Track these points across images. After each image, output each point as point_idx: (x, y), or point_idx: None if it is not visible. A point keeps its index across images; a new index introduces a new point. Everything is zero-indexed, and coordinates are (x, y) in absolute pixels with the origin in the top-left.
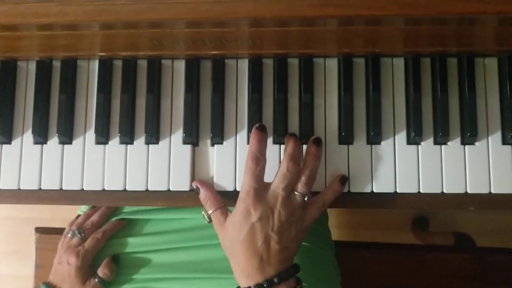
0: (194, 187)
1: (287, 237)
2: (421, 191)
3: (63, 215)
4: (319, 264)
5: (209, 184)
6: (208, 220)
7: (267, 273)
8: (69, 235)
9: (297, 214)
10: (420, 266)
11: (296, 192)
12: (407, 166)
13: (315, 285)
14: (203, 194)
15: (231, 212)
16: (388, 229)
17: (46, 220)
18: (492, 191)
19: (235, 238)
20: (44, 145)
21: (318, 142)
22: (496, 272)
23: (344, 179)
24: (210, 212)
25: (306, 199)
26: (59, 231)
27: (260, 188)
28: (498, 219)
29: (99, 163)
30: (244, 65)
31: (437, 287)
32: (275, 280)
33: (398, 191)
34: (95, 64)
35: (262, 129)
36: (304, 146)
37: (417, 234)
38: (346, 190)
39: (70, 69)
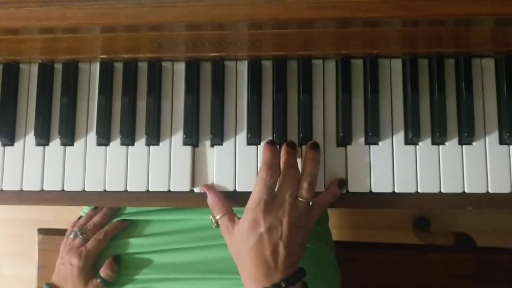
0: (202, 192)
1: (294, 243)
2: (419, 191)
3: (65, 217)
4: (319, 264)
5: (216, 189)
6: (216, 225)
7: (275, 278)
8: (71, 236)
9: (303, 220)
10: (420, 266)
11: (300, 199)
12: (405, 166)
13: (316, 285)
14: (210, 199)
15: (238, 217)
16: (389, 229)
17: (49, 222)
18: (490, 191)
19: (243, 246)
20: (46, 147)
21: (315, 146)
22: (496, 271)
23: (342, 183)
24: (217, 217)
25: (310, 204)
26: (61, 232)
27: (270, 200)
28: (499, 219)
29: (100, 164)
30: (243, 67)
31: (437, 286)
32: (283, 284)
33: (396, 191)
34: (96, 67)
35: (273, 144)
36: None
37: (418, 234)
38: (344, 190)
39: (71, 71)
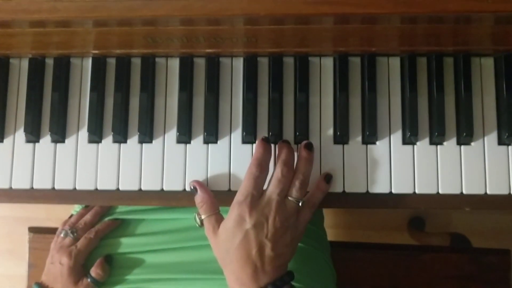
0: (192, 188)
1: (282, 243)
2: (417, 191)
3: (57, 215)
4: (314, 264)
5: (207, 188)
6: (199, 223)
7: (262, 281)
8: (61, 235)
9: (292, 220)
10: (416, 267)
11: (290, 198)
12: (402, 166)
13: (310, 285)
14: (199, 197)
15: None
16: (384, 229)
17: (41, 220)
18: (488, 192)
19: (229, 245)
20: (37, 144)
21: (309, 146)
22: (492, 272)
23: (328, 177)
24: (204, 216)
25: (300, 204)
26: (52, 231)
27: (258, 196)
28: (494, 219)
29: (92, 162)
30: (239, 64)
31: (432, 287)
32: None
33: (393, 191)
34: (88, 62)
35: (268, 141)
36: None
37: (413, 234)
38: (341, 190)
39: (63, 66)
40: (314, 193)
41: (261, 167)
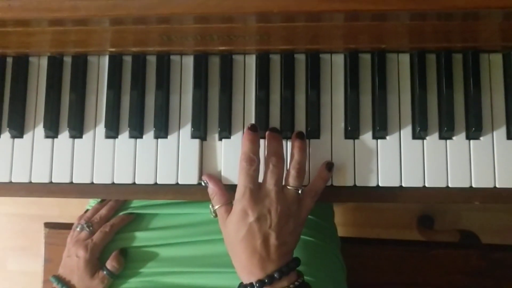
0: (204, 181)
1: (285, 232)
2: (426, 185)
3: (70, 212)
4: (324, 258)
5: (218, 179)
6: (214, 214)
7: (268, 269)
8: (77, 229)
9: (293, 209)
10: (425, 262)
11: (289, 187)
12: (412, 161)
13: (321, 279)
14: (210, 189)
15: None
16: (393, 227)
17: (54, 217)
18: (497, 186)
19: (234, 237)
20: (55, 139)
21: (301, 135)
22: (501, 268)
23: (330, 165)
24: (215, 207)
25: (300, 192)
26: (68, 226)
27: (255, 188)
28: (504, 217)
29: (108, 157)
30: (251, 61)
31: (441, 283)
32: (276, 275)
33: (403, 185)
34: (105, 60)
35: (254, 129)
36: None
37: (422, 232)
38: (351, 184)
39: (80, 64)
40: (316, 181)
41: (251, 160)
